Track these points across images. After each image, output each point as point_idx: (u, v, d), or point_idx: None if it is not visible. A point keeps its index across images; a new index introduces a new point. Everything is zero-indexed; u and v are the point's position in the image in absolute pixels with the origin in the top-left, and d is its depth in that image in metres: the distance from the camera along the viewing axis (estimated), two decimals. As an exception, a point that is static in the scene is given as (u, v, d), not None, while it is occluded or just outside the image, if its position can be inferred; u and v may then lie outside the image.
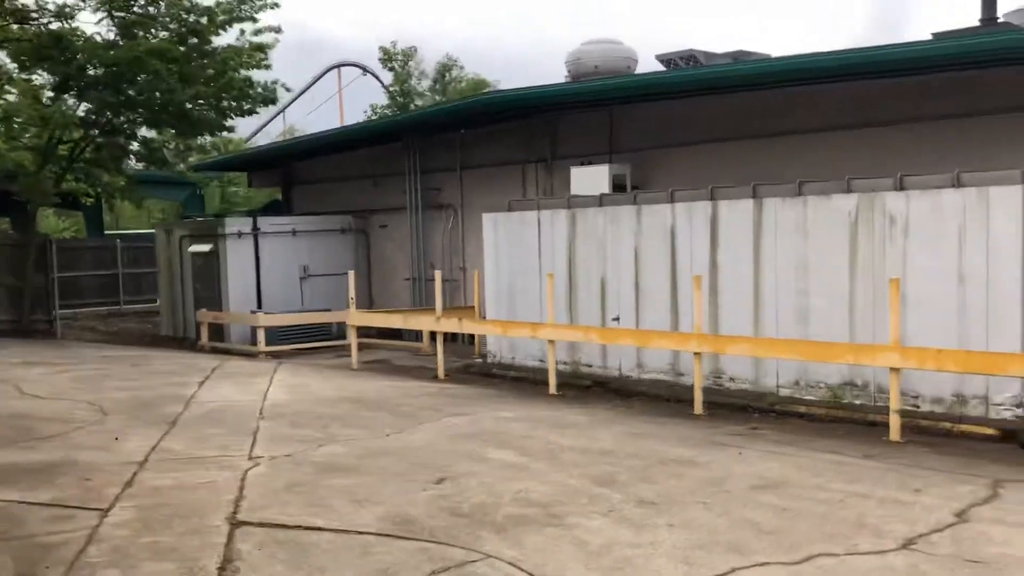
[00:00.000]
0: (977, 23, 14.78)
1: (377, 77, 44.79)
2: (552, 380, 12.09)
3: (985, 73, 11.27)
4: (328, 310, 18.09)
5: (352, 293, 14.76)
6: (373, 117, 37.71)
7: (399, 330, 16.85)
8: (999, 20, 14.09)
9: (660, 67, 16.09)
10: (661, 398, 11.52)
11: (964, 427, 9.36)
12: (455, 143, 17.94)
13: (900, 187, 9.92)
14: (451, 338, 16.23)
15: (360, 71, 47.92)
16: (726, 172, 12.99)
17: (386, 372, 14.67)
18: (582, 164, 14.78)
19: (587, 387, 12.49)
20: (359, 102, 46.74)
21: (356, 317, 14.94)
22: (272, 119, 45.82)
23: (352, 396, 11.46)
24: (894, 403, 9.07)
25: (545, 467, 7.67)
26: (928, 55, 11.00)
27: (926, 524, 6.10)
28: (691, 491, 6.94)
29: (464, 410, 10.51)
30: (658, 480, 7.27)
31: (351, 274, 14.90)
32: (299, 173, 22.79)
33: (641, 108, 15.07)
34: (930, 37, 12.57)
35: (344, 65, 48.64)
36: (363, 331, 16.71)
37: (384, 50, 41.99)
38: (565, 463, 7.83)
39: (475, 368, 14.46)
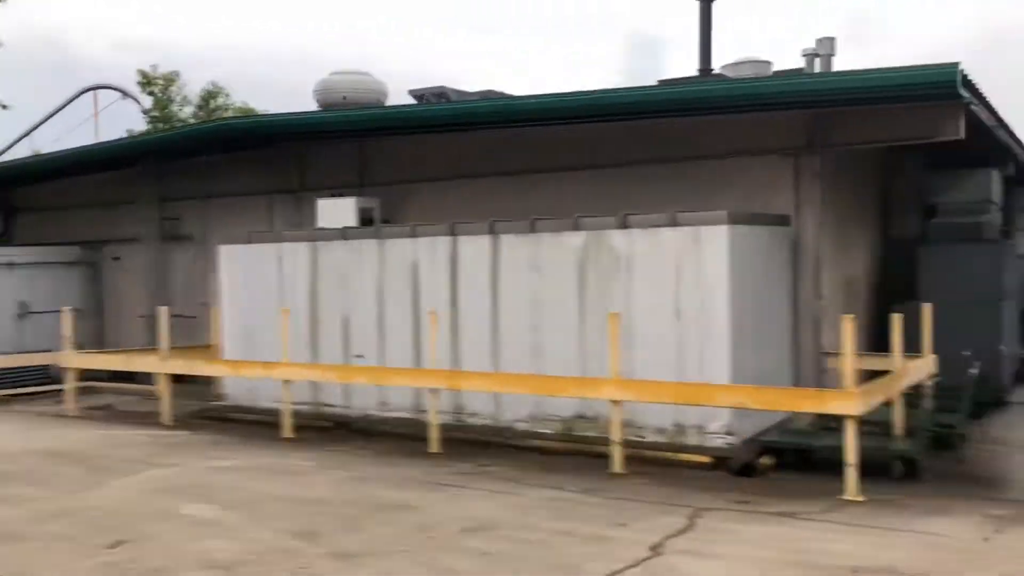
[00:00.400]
0: (696, 73, 15.97)
1: (137, 101, 41.86)
2: (287, 423, 11.39)
3: (703, 120, 11.99)
4: (48, 351, 16.23)
5: (67, 332, 13.29)
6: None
7: (133, 372, 15.38)
8: (714, 72, 15.24)
9: (413, 101, 15.94)
10: (405, 436, 11.14)
11: (683, 456, 9.69)
12: (198, 171, 16.82)
13: (624, 226, 10.24)
14: (191, 380, 15.01)
15: (119, 94, 44.60)
16: (473, 208, 12.95)
17: (106, 419, 13.27)
18: (332, 196, 14.25)
19: (329, 428, 11.88)
20: (118, 127, 43.32)
21: (72, 359, 13.46)
22: (17, 141, 41.41)
23: (47, 448, 10.15)
24: (616, 435, 9.24)
25: (244, 521, 7.03)
26: (645, 100, 11.53)
27: (622, 560, 6.10)
28: (397, 539, 6.59)
29: (176, 460, 9.59)
30: (366, 528, 6.85)
31: (66, 311, 13.42)
32: (22, 199, 20.47)
33: (392, 142, 14.81)
34: (656, 83, 13.29)
35: (101, 87, 44.93)
36: (93, 374, 15.11)
37: (143, 73, 39.41)
38: (268, 515, 7.23)
39: (211, 412, 13.40)
